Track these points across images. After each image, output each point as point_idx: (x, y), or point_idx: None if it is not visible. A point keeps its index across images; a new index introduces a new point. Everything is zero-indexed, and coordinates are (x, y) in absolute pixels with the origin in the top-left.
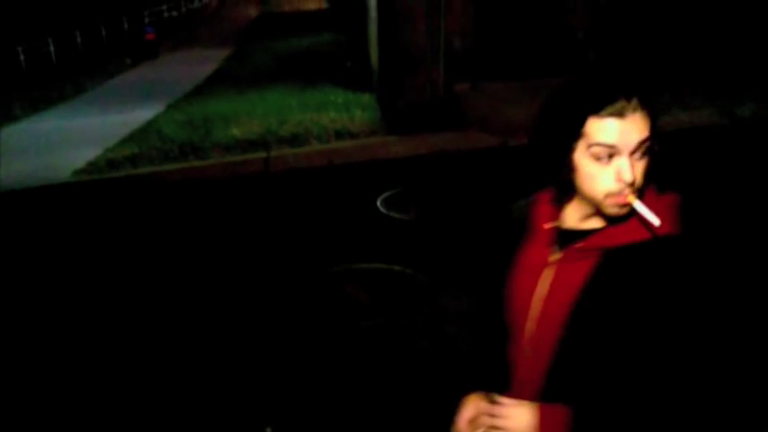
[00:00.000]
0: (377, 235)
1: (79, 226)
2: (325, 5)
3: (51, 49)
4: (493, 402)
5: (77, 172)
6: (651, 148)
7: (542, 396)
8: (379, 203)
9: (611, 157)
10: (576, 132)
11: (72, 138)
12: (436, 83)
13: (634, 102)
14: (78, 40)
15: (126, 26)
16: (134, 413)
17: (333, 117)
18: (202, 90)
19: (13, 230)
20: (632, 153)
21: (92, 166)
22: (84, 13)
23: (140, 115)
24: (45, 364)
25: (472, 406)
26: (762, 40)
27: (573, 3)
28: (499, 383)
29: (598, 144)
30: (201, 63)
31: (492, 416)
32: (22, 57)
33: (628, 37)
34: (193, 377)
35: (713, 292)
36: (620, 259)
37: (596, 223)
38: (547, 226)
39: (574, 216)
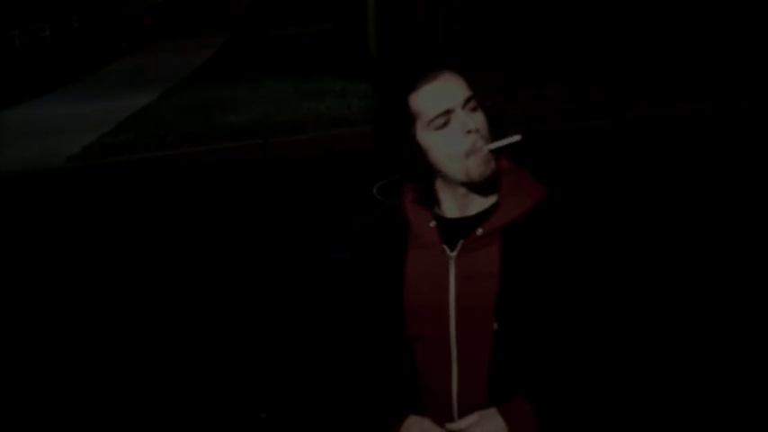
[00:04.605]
0: None
1: (74, 211)
2: None
3: (47, 34)
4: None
5: (72, 158)
6: (482, 104)
7: (490, 392)
8: (375, 191)
9: (447, 121)
10: (407, 118)
11: (67, 123)
12: None
13: (442, 70)
14: (75, 25)
15: (123, 12)
16: (126, 399)
17: (330, 105)
18: (199, 77)
19: (8, 216)
20: (463, 107)
21: (87, 152)
22: None
23: (136, 101)
24: (38, 349)
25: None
26: (761, 33)
27: None
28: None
29: (429, 113)
30: (198, 50)
31: None
32: (18, 42)
33: (623, 28)
34: (189, 363)
35: (602, 232)
36: (522, 232)
37: (479, 206)
38: (432, 224)
39: (452, 206)
